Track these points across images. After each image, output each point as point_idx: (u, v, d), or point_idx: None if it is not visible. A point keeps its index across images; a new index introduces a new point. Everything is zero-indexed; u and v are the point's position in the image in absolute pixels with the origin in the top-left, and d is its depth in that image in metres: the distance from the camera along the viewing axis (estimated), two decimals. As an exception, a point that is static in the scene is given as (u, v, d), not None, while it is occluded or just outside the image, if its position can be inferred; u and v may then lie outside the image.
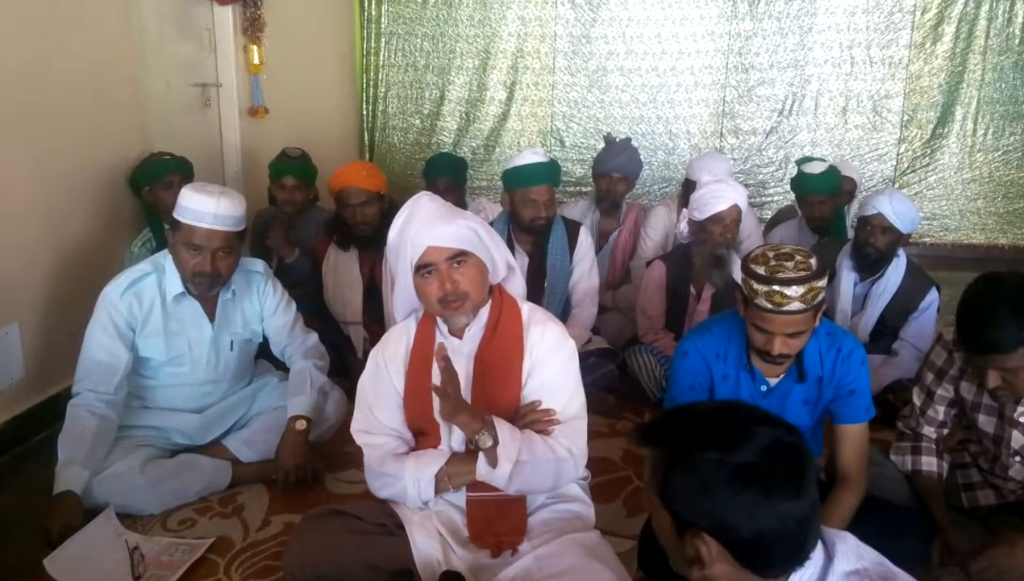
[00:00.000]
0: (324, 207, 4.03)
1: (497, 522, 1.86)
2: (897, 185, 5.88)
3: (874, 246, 3.21)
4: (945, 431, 2.30)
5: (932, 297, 3.28)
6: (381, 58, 6.18)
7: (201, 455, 2.60)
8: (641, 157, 4.21)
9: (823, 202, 3.85)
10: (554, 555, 1.78)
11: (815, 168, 3.85)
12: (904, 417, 2.37)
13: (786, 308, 1.85)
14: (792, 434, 1.13)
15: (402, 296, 1.94)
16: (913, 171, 5.96)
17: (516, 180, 3.30)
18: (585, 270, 3.44)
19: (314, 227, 3.82)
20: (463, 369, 1.86)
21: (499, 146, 6.21)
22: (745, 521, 1.07)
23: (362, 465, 1.97)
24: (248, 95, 4.57)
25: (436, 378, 1.85)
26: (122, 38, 3.43)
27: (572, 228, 3.45)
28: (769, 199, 5.99)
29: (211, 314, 2.60)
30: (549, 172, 3.33)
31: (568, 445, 1.85)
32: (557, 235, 3.39)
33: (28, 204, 2.93)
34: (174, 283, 2.51)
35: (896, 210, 3.17)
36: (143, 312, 2.50)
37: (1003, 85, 5.75)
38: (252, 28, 4.49)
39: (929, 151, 5.91)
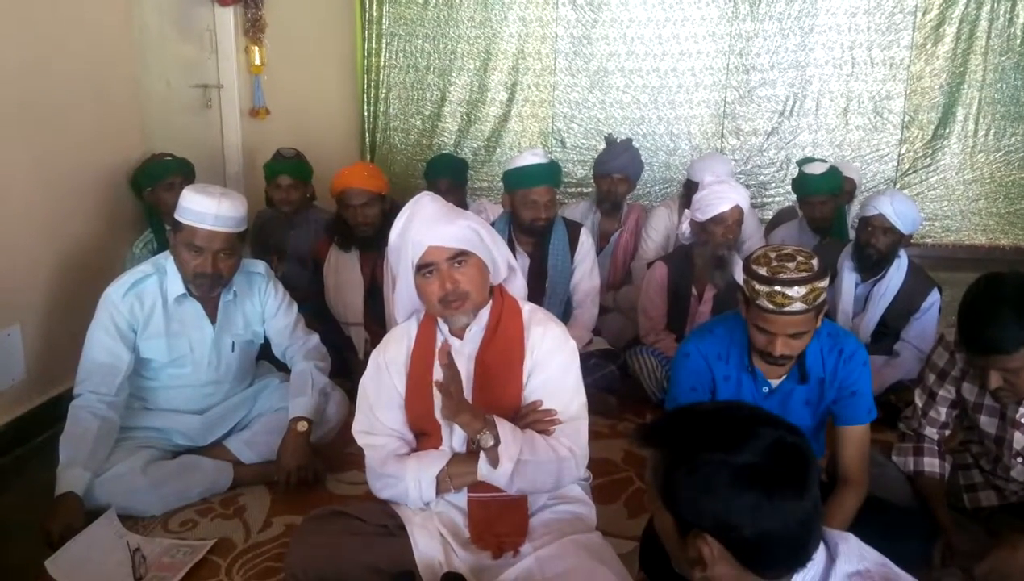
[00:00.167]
0: (322, 206, 4.03)
1: (498, 523, 1.86)
2: (898, 186, 5.87)
3: (875, 247, 3.21)
4: (947, 432, 2.30)
5: (933, 298, 3.28)
6: (382, 59, 6.18)
7: (202, 456, 2.60)
8: (642, 158, 4.21)
9: (824, 203, 3.85)
10: (555, 556, 1.77)
11: (816, 169, 3.85)
12: (906, 418, 2.37)
13: (788, 309, 1.85)
14: (794, 435, 1.13)
15: (403, 296, 1.94)
16: (914, 172, 5.96)
17: (516, 181, 3.30)
18: (586, 271, 3.44)
19: (312, 226, 3.82)
20: (464, 369, 1.86)
21: (500, 147, 6.21)
22: (747, 522, 1.07)
23: (363, 466, 1.97)
24: (249, 96, 4.57)
25: (438, 372, 1.86)
26: (123, 38, 3.43)
27: (573, 229, 3.45)
28: (770, 200, 5.99)
29: (212, 315, 2.60)
30: (549, 173, 3.33)
31: (569, 445, 1.85)
32: (558, 236, 3.39)
33: (29, 205, 2.93)
34: (175, 284, 2.51)
35: (897, 211, 3.17)
36: (144, 313, 2.50)
37: (1004, 86, 5.75)
38: (253, 29, 4.49)
39: (930, 152, 5.91)
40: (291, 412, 2.61)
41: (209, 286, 2.49)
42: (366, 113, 6.27)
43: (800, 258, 1.89)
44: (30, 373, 2.97)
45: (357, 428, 1.97)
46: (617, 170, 4.02)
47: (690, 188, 3.85)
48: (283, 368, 2.88)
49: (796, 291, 1.84)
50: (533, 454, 1.79)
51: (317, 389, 2.68)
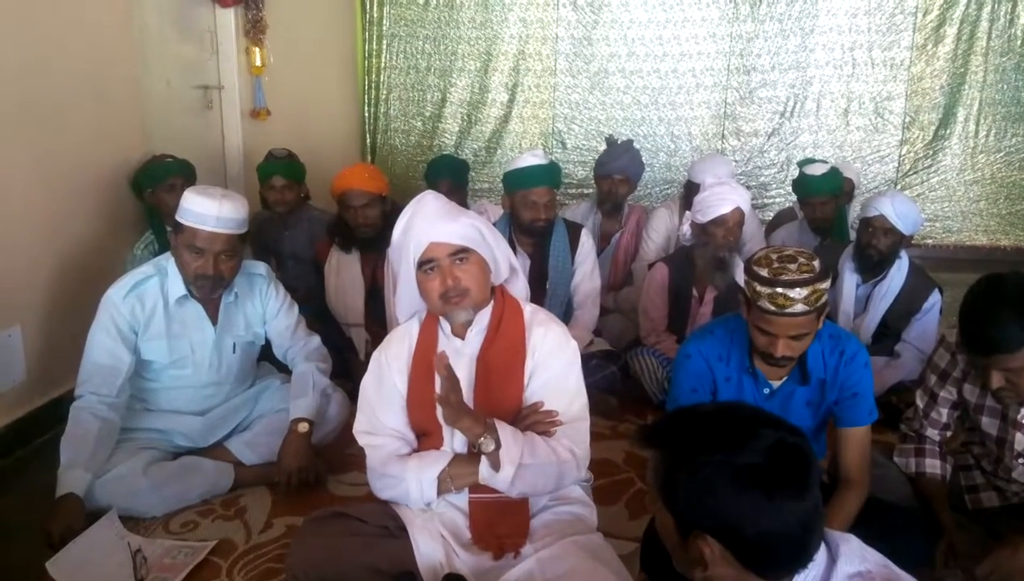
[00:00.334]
0: (317, 206, 4.02)
1: (499, 524, 1.86)
2: (899, 187, 5.88)
3: (876, 248, 3.21)
4: (948, 433, 2.30)
5: (934, 299, 3.28)
6: (383, 60, 6.18)
7: (203, 458, 2.60)
8: (643, 159, 4.22)
9: (825, 203, 3.85)
10: (556, 557, 1.77)
11: (817, 170, 3.86)
12: (907, 419, 2.37)
13: (789, 310, 1.85)
14: (795, 435, 1.13)
15: (405, 295, 1.94)
16: (915, 173, 5.96)
17: (516, 182, 3.30)
18: (587, 272, 3.44)
19: (307, 225, 3.82)
20: (465, 370, 1.86)
21: (501, 148, 6.22)
22: (748, 522, 1.07)
23: (364, 467, 1.97)
24: (250, 97, 4.57)
25: (438, 381, 1.86)
26: (123, 39, 3.43)
27: (573, 230, 3.45)
28: (771, 201, 5.98)
29: (213, 317, 2.60)
30: (549, 174, 3.33)
31: (570, 446, 1.85)
32: (558, 237, 3.39)
33: (29, 206, 2.93)
34: (176, 286, 2.51)
35: (898, 211, 3.17)
36: (146, 315, 2.50)
37: (1005, 86, 5.75)
38: (254, 30, 4.49)
39: (931, 153, 5.91)
40: (292, 413, 2.61)
41: (210, 288, 2.49)
42: (367, 114, 6.27)
43: (801, 260, 1.89)
44: (31, 374, 2.97)
45: (358, 428, 1.97)
46: (618, 171, 4.02)
47: (691, 189, 3.85)
48: (284, 369, 2.88)
49: (798, 293, 1.84)
50: (534, 457, 1.78)
51: (318, 390, 2.68)
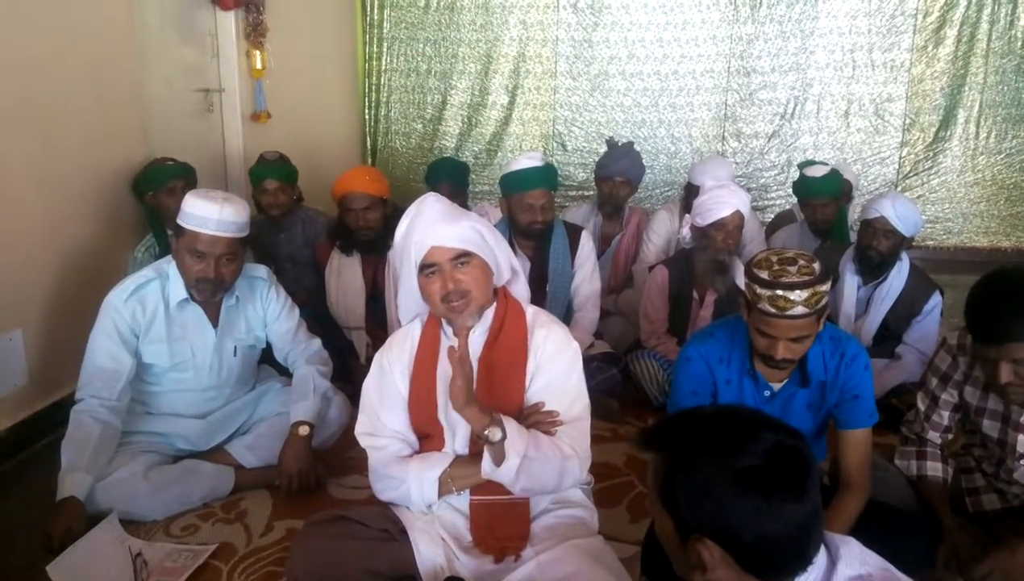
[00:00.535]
0: (309, 207, 4.01)
1: (500, 526, 1.86)
2: (900, 189, 5.88)
3: (877, 249, 3.21)
4: (949, 436, 2.29)
5: (935, 300, 3.28)
6: (383, 63, 6.19)
7: (204, 461, 2.60)
8: (643, 161, 4.22)
9: (826, 205, 3.85)
10: (557, 560, 1.77)
11: (817, 171, 3.86)
12: (908, 422, 2.36)
13: (790, 312, 1.85)
14: (794, 438, 1.13)
15: (407, 298, 1.94)
16: (916, 174, 5.96)
17: (512, 185, 3.30)
18: (586, 274, 3.44)
19: (301, 226, 3.82)
20: (467, 370, 1.87)
21: (501, 150, 6.22)
22: (747, 525, 1.07)
23: (364, 470, 1.97)
24: (251, 100, 4.58)
25: (441, 381, 1.86)
26: (124, 42, 3.44)
27: (573, 232, 3.45)
28: (771, 203, 5.98)
29: (214, 320, 2.60)
30: (545, 176, 3.32)
31: (572, 445, 1.85)
32: (558, 239, 3.39)
33: (31, 208, 2.94)
34: (178, 289, 2.51)
35: (899, 213, 3.17)
36: (147, 318, 2.50)
37: (1005, 88, 5.75)
38: (254, 33, 4.50)
39: (931, 154, 5.92)
40: (293, 416, 2.61)
41: (211, 291, 2.49)
42: (367, 117, 6.28)
43: (802, 262, 1.89)
44: (32, 378, 2.98)
45: (360, 429, 1.97)
46: (618, 173, 4.02)
47: (691, 191, 3.86)
48: (285, 372, 2.88)
49: (798, 295, 1.84)
50: (538, 451, 1.78)
51: (319, 393, 2.68)
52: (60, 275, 3.08)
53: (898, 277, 3.28)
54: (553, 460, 1.81)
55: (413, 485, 1.86)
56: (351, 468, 2.72)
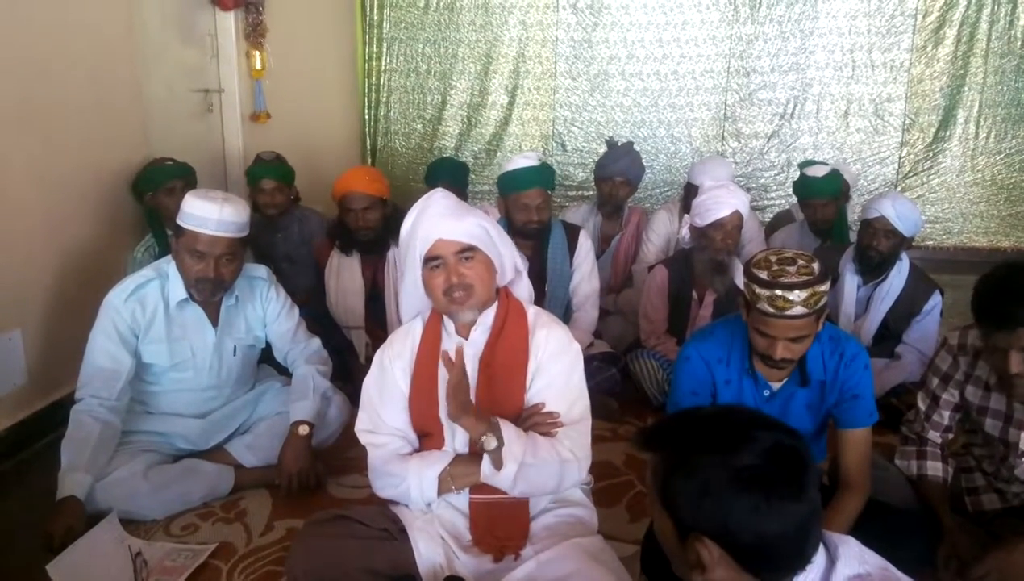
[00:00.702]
0: (305, 206, 4.01)
1: (500, 526, 1.87)
2: (899, 188, 5.88)
3: (877, 249, 3.21)
4: (950, 435, 2.30)
5: (935, 300, 3.28)
6: (383, 63, 6.20)
7: (204, 460, 2.60)
8: (643, 161, 4.22)
9: (825, 205, 3.85)
10: (557, 560, 1.77)
11: (817, 171, 3.86)
12: (909, 422, 2.37)
13: (789, 312, 1.85)
14: (793, 437, 1.13)
15: (410, 293, 1.95)
16: (915, 174, 5.96)
17: (509, 185, 3.31)
18: (585, 274, 3.44)
19: (298, 225, 3.82)
20: (468, 370, 1.86)
21: (501, 150, 6.22)
22: (746, 525, 1.07)
23: (364, 470, 1.97)
24: (250, 100, 4.58)
25: (442, 379, 1.86)
26: (124, 43, 3.44)
27: (572, 232, 3.46)
28: (771, 203, 5.99)
29: (214, 320, 2.60)
30: (541, 176, 3.33)
31: (572, 447, 1.85)
32: (557, 239, 3.39)
33: (30, 208, 2.94)
34: (177, 289, 2.51)
35: (899, 213, 3.17)
36: (146, 318, 2.50)
37: (1005, 88, 5.75)
38: (254, 33, 4.50)
39: (931, 154, 5.92)
40: (292, 416, 2.61)
41: (211, 291, 2.49)
42: (367, 117, 6.28)
43: (801, 262, 1.89)
44: (31, 377, 2.98)
45: (360, 427, 1.97)
46: (618, 173, 4.02)
47: (690, 191, 3.86)
48: (284, 372, 2.88)
49: (797, 295, 1.84)
50: (536, 457, 1.79)
51: (318, 393, 2.68)
52: (60, 275, 3.08)
53: (898, 277, 3.29)
54: (551, 465, 1.81)
55: (413, 483, 1.86)
56: (351, 467, 2.72)
